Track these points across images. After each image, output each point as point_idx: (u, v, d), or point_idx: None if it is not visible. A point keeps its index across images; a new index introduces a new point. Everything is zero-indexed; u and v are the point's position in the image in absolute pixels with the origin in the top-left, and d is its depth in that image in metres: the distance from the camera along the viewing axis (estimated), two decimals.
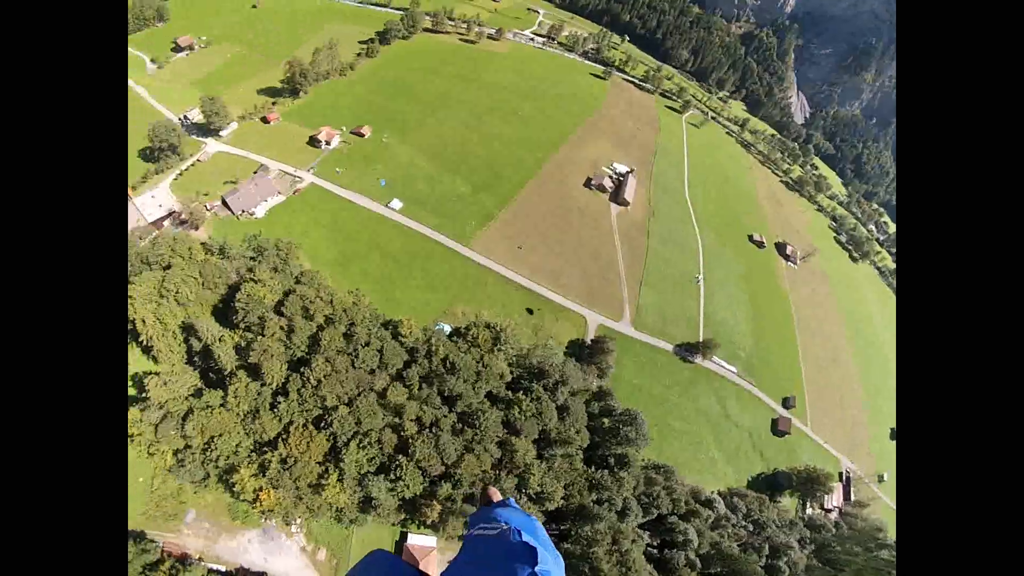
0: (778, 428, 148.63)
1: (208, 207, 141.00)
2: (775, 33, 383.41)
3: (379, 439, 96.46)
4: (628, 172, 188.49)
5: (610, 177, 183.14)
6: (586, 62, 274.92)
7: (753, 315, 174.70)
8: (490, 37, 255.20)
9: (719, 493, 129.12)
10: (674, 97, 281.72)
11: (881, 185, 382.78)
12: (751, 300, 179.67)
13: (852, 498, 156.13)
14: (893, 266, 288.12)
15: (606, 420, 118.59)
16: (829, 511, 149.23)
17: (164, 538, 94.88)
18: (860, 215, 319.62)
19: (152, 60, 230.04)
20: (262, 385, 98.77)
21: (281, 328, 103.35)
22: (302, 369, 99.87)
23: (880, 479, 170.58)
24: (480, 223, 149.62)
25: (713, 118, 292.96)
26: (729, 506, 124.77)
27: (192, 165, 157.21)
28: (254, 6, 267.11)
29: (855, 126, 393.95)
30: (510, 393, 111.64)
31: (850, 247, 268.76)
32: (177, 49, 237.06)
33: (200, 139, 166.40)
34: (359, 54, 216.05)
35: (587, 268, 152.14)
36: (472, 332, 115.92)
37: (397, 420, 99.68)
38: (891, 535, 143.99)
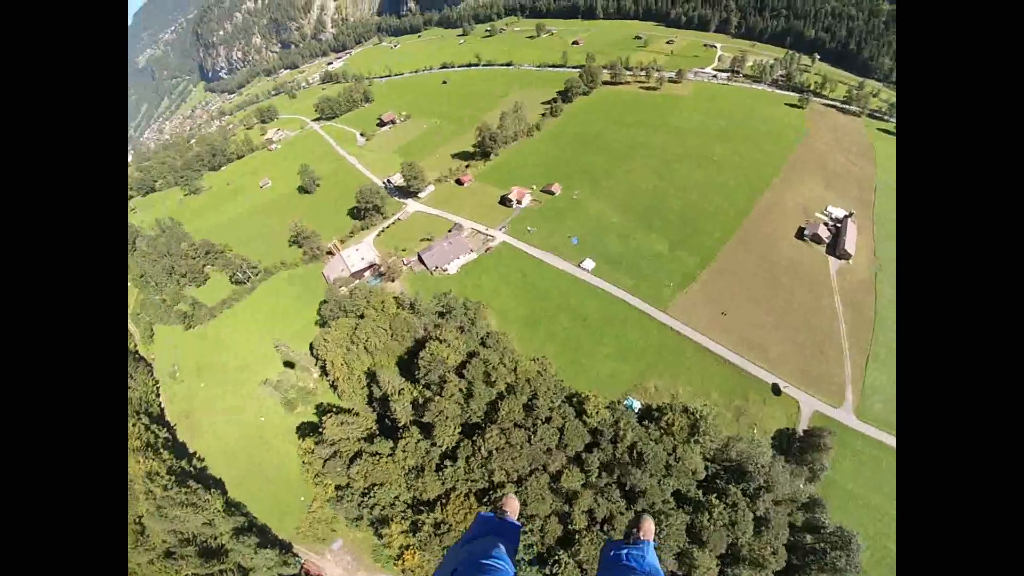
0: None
1: (405, 262, 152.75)
2: None
3: (542, 527, 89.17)
4: (847, 216, 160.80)
5: (825, 224, 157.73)
6: (777, 91, 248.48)
7: None
8: (671, 81, 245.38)
9: None
10: (886, 117, 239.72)
11: None
12: None
13: None
14: None
15: (809, 537, 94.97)
16: None
17: (307, 557, 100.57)
18: None
19: (361, 134, 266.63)
20: (432, 445, 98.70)
21: (460, 391, 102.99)
22: (475, 436, 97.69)
23: None
24: (679, 285, 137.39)
25: None
26: None
27: (393, 223, 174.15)
28: (444, 82, 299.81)
29: None
30: (701, 494, 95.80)
31: None
32: (381, 124, 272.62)
33: (401, 200, 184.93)
34: (543, 114, 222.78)
35: (801, 340, 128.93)
36: (667, 417, 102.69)
37: (567, 508, 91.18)
38: None
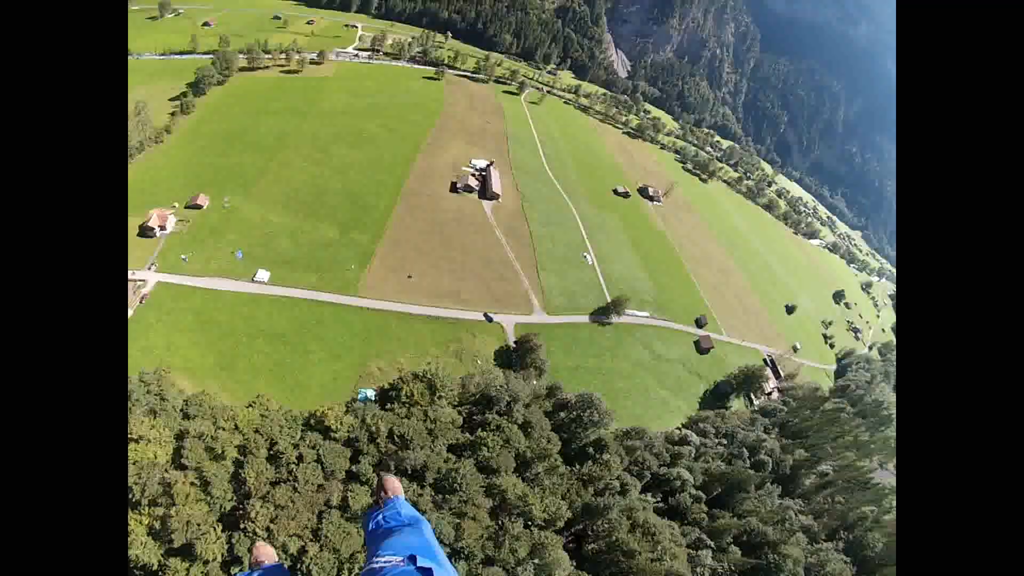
0: (702, 347, 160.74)
1: None
2: (586, 2, 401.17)
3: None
4: (488, 165, 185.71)
5: (473, 175, 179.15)
6: (416, 67, 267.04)
7: (643, 261, 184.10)
8: (313, 62, 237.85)
9: (684, 426, 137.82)
10: (509, 81, 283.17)
11: (705, 111, 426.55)
12: (636, 248, 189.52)
13: (782, 375, 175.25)
14: (736, 175, 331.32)
15: (563, 414, 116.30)
16: (770, 395, 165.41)
17: None
18: (696, 142, 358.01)
19: None
20: (205, 564, 77.91)
21: (193, 484, 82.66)
22: (241, 524, 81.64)
23: (795, 349, 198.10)
24: (361, 264, 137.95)
25: (548, 92, 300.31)
26: (699, 432, 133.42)
27: None
28: None
29: (672, 68, 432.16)
30: (470, 436, 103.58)
31: (698, 172, 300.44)
32: None
33: None
34: (172, 113, 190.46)
35: (482, 274, 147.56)
36: (405, 390, 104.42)
37: None
38: (825, 388, 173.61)
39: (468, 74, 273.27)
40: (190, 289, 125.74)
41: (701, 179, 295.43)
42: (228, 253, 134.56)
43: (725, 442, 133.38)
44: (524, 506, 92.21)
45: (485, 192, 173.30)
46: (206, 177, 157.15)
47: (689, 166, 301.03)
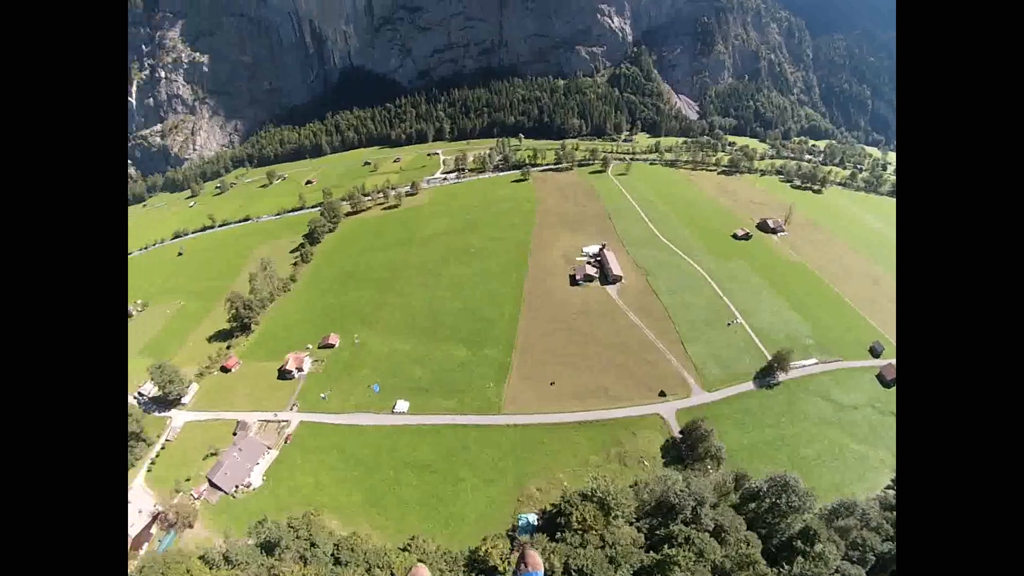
0: (886, 379, 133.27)
1: (195, 495, 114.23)
2: (632, 63, 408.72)
3: None
4: (601, 248, 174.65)
5: (588, 263, 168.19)
6: (501, 174, 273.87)
7: (790, 300, 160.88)
8: (408, 195, 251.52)
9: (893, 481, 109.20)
10: (591, 161, 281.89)
11: (787, 120, 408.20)
12: (777, 289, 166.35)
13: None
14: (847, 172, 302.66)
15: (754, 505, 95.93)
16: None
17: None
18: (793, 154, 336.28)
19: None
20: None
21: None
22: None
23: None
24: (498, 380, 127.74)
25: (632, 159, 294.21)
26: None
27: (162, 448, 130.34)
28: (179, 254, 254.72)
29: (737, 92, 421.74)
30: (655, 555, 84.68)
31: (808, 185, 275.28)
32: None
33: (162, 414, 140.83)
34: (294, 263, 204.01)
35: (625, 363, 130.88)
36: (575, 515, 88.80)
37: None
38: None
39: (551, 167, 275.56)
40: (332, 427, 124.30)
41: (814, 191, 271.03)
42: (365, 387, 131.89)
43: None
44: None
45: (607, 277, 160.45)
46: (333, 316, 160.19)
47: (797, 182, 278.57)
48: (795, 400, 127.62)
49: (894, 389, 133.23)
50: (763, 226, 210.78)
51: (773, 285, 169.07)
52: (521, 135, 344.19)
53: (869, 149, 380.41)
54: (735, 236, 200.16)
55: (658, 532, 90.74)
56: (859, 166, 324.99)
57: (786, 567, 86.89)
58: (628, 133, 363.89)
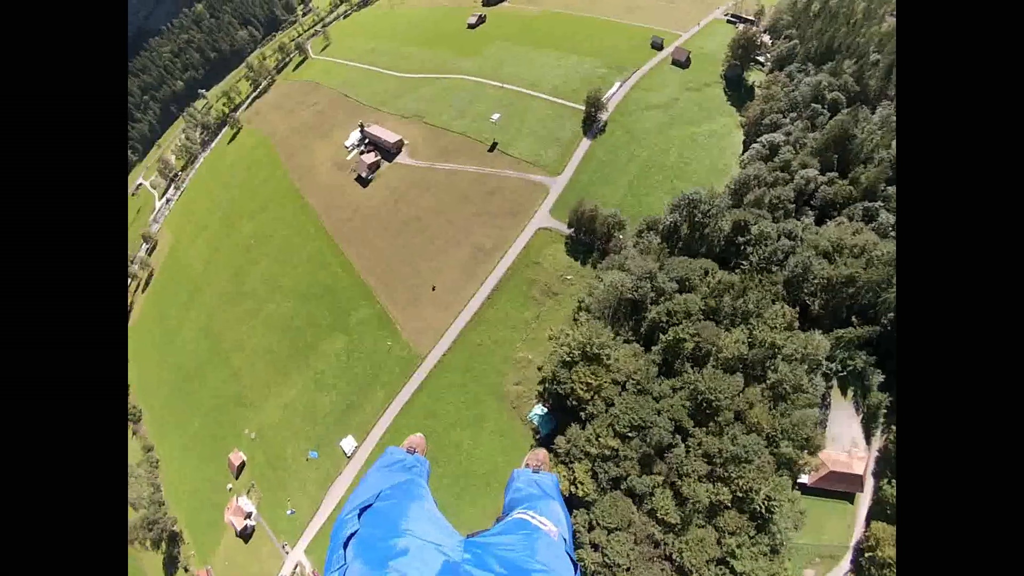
0: (682, 61, 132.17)
1: None
2: None
3: None
4: (361, 128, 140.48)
5: (362, 152, 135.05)
6: (213, 145, 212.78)
7: (561, 48, 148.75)
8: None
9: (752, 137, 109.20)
10: (288, 60, 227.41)
11: None
12: (544, 46, 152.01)
13: (755, 17, 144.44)
14: None
15: (676, 237, 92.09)
16: (769, 44, 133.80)
17: None
18: None
19: None
20: None
21: None
22: None
23: None
24: (392, 334, 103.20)
25: (324, 27, 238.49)
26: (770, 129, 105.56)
27: None
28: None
29: None
30: (664, 341, 78.59)
31: None
32: None
33: None
34: None
35: (474, 210, 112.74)
36: (576, 387, 75.25)
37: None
38: None
39: (254, 96, 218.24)
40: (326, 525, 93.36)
41: None
42: (305, 463, 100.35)
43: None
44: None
45: (387, 151, 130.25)
46: (214, 432, 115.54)
47: None
48: (628, 125, 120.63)
49: (690, 66, 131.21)
50: (488, 1, 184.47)
51: (537, 44, 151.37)
52: (202, 91, 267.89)
53: None
54: (470, 25, 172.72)
55: (642, 329, 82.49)
56: None
57: (744, 262, 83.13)
58: (303, 5, 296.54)
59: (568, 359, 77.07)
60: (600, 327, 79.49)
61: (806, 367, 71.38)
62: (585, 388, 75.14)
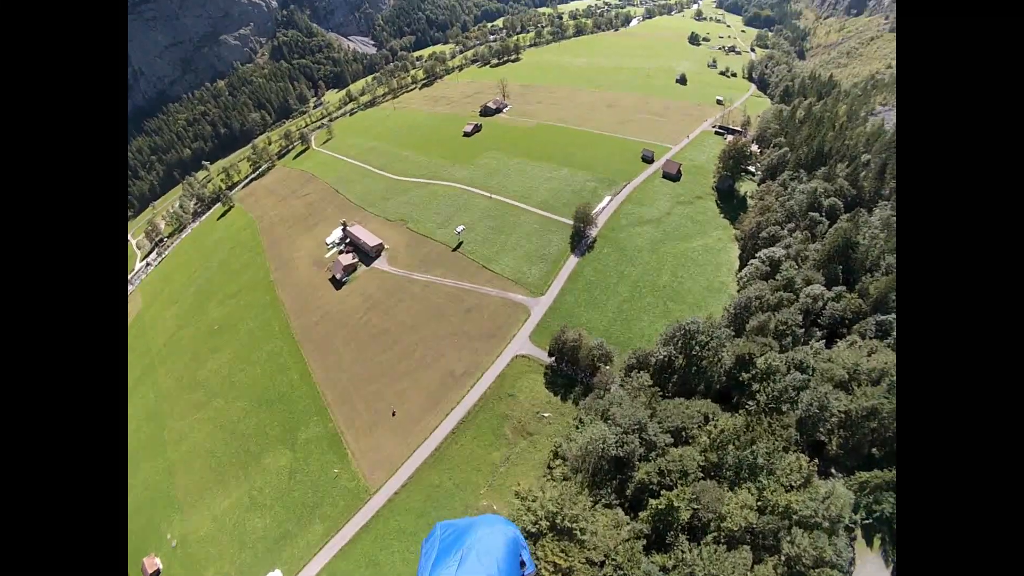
0: (672, 174, 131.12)
1: None
2: (288, 27, 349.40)
3: None
4: (343, 228, 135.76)
5: (341, 252, 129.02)
6: (203, 218, 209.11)
7: (553, 161, 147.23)
8: None
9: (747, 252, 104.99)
10: (291, 147, 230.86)
11: (461, 16, 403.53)
12: (536, 157, 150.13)
13: (743, 128, 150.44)
14: (532, 34, 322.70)
15: (669, 372, 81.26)
16: (760, 154, 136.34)
17: None
18: (478, 40, 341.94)
19: None
20: None
21: None
22: None
23: (720, 103, 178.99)
24: (340, 458, 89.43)
25: (331, 121, 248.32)
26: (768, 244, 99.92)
27: None
28: None
29: (403, 10, 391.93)
30: (652, 506, 65.18)
31: (505, 58, 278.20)
32: None
33: None
34: None
35: (450, 328, 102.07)
36: (544, 551, 62.56)
37: None
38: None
39: (252, 177, 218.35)
40: None
41: (513, 61, 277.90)
42: None
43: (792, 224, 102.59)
44: None
45: (367, 254, 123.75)
46: (131, 528, 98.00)
47: (495, 61, 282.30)
48: (618, 241, 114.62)
49: (681, 179, 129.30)
50: (486, 111, 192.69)
51: (530, 156, 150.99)
52: (205, 163, 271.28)
53: (541, 10, 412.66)
54: (465, 134, 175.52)
55: (627, 491, 69.67)
56: (539, 25, 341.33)
57: (751, 402, 72.37)
58: (315, 98, 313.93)
59: (534, 529, 64.23)
60: (575, 491, 67.34)
61: (827, 529, 58.99)
62: (552, 570, 61.77)
